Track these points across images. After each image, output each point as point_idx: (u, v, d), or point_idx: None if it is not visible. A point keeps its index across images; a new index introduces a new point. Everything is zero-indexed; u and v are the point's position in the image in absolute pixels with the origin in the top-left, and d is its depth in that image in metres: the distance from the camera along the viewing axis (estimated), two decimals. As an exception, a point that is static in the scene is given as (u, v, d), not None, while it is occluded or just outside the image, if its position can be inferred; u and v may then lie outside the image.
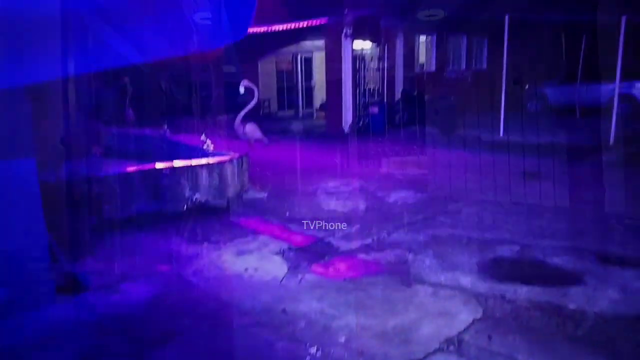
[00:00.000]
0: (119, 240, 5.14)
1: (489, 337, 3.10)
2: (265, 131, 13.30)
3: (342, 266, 4.36)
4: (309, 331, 3.25)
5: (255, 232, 5.28)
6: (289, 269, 4.26)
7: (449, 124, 12.47)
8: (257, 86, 18.14)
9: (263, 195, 6.85)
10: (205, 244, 4.93)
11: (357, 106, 13.96)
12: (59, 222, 4.19)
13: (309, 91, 18.36)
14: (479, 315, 3.40)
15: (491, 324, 3.29)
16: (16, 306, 3.66)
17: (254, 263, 4.42)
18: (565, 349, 3.01)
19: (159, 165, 6.14)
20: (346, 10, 13.11)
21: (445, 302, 3.64)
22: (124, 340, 3.26)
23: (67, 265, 4.24)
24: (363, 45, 14.12)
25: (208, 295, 3.89)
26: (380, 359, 2.92)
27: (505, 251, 4.63)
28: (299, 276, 4.12)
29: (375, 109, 13.23)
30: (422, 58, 15.97)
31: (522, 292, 3.74)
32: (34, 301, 3.75)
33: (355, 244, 4.87)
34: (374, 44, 14.04)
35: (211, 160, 6.48)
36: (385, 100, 13.86)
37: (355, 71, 13.65)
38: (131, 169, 6.04)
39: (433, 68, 15.71)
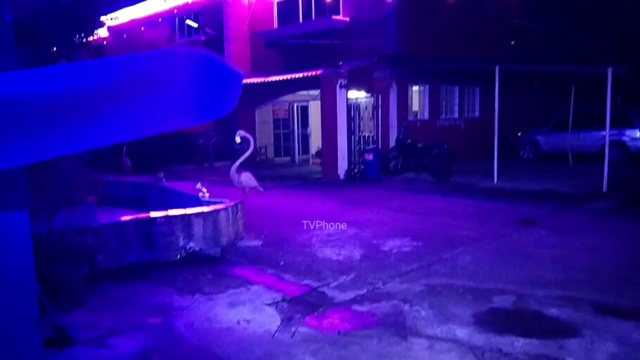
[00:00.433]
0: (111, 291, 5.06)
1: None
2: (261, 177, 13.40)
3: (336, 318, 4.29)
4: (302, 388, 3.16)
5: (248, 282, 5.21)
6: (282, 322, 4.19)
7: (443, 171, 12.58)
8: (254, 133, 18.48)
9: (257, 243, 6.81)
10: (198, 295, 4.86)
11: (352, 153, 14.11)
12: (49, 274, 4.14)
13: (305, 138, 18.61)
14: (475, 370, 3.32)
15: (488, 379, 3.21)
16: (1, 361, 3.56)
17: (246, 315, 4.35)
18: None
19: (154, 214, 6.13)
20: (340, 62, 13.49)
21: (441, 356, 3.57)
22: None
23: (57, 317, 4.16)
24: (358, 94, 14.44)
25: (199, 351, 3.80)
26: (374, 418, 2.83)
27: (502, 301, 4.58)
28: (293, 329, 4.04)
29: (370, 156, 13.38)
30: (415, 106, 16.29)
31: (519, 345, 3.68)
32: (20, 356, 3.65)
33: (349, 294, 4.81)
34: (368, 94, 14.35)
35: (206, 208, 6.48)
36: (380, 148, 14.04)
37: (350, 119, 13.89)
38: (125, 218, 6.03)
39: (426, 116, 16.01)
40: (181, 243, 6.13)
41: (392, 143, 14.15)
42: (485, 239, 6.82)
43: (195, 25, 19.17)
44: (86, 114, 1.65)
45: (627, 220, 7.94)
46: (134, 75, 1.73)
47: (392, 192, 11.33)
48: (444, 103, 16.70)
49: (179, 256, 6.07)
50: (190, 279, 5.36)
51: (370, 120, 14.44)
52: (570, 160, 14.86)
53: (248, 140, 7.29)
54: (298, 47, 16.15)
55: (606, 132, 10.57)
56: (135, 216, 6.02)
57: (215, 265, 5.86)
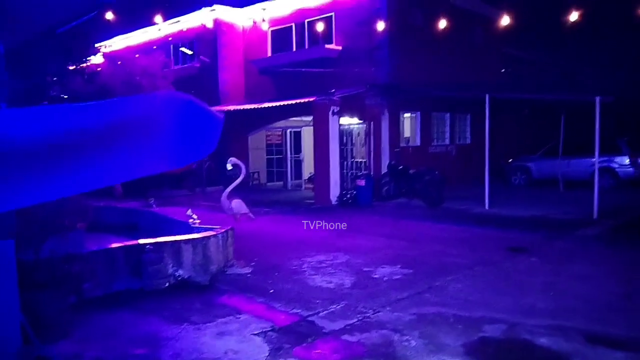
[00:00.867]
0: (98, 321, 4.97)
1: None
2: (254, 203, 13.37)
3: (325, 349, 4.24)
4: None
5: (237, 311, 5.15)
6: (270, 352, 4.13)
7: (435, 197, 12.63)
8: (247, 159, 18.51)
9: (247, 270, 6.75)
10: (186, 325, 4.78)
11: (345, 179, 14.17)
12: (34, 302, 4.07)
13: (297, 164, 18.66)
14: (465, 402, 3.27)
15: (478, 412, 3.16)
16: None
17: (234, 345, 4.28)
18: None
19: (142, 241, 6.08)
20: (333, 89, 13.65)
21: (430, 387, 3.52)
22: None
23: (40, 348, 4.07)
24: (350, 121, 14.57)
25: (185, 381, 3.73)
26: None
27: (492, 330, 4.55)
28: None
29: (362, 182, 13.41)
30: (407, 132, 16.45)
31: (510, 376, 3.64)
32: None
33: (339, 324, 4.76)
34: (361, 120, 14.49)
35: (195, 235, 6.44)
36: (372, 173, 14.10)
37: (342, 145, 13.99)
38: (113, 245, 5.97)
39: (418, 142, 16.14)
40: (170, 270, 6.06)
41: (384, 169, 14.22)
42: (476, 266, 6.80)
43: (190, 52, 19.39)
44: (62, 161, 1.65)
45: (617, 248, 7.96)
46: (113, 120, 1.74)
47: (384, 218, 11.33)
48: (435, 129, 16.88)
49: (167, 284, 6.00)
50: (178, 308, 5.29)
51: (363, 146, 14.54)
52: (561, 187, 14.96)
53: (240, 167, 7.30)
54: (291, 74, 16.35)
55: (595, 160, 10.68)
56: (123, 243, 5.97)
57: (204, 294, 5.79)
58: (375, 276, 6.46)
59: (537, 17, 19.35)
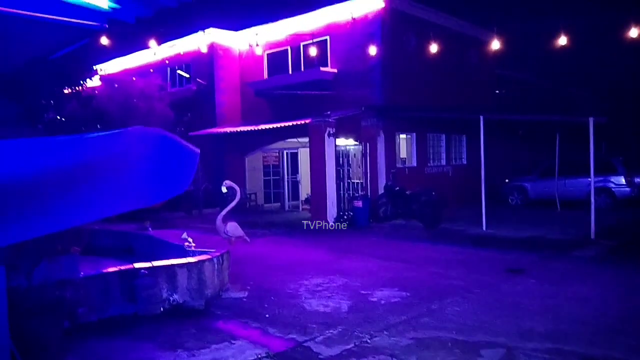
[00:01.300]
0: (90, 347, 4.89)
1: None
2: (250, 224, 13.31)
3: (321, 375, 4.17)
4: None
5: (232, 337, 5.07)
6: (265, 379, 4.06)
7: (432, 218, 12.61)
8: (244, 180, 18.50)
9: (243, 294, 6.68)
10: (180, 351, 4.71)
11: (342, 200, 14.15)
12: (25, 329, 4.00)
13: (295, 185, 18.66)
14: None
15: None
16: None
17: (229, 372, 4.21)
18: None
19: (137, 265, 6.03)
20: (329, 111, 13.74)
21: (428, 415, 3.45)
22: None
23: (30, 376, 3.99)
24: (346, 142, 14.63)
25: (178, 411, 3.65)
26: None
27: (490, 355, 4.49)
28: (276, 387, 3.91)
29: (359, 203, 13.41)
30: (403, 153, 16.51)
31: (509, 403, 3.58)
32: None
33: (336, 349, 4.69)
34: (357, 142, 14.56)
35: (190, 259, 6.38)
36: (368, 194, 14.10)
37: (338, 167, 14.02)
38: (108, 270, 5.92)
39: (414, 163, 16.20)
40: (164, 295, 6.00)
41: (380, 190, 14.24)
42: (474, 289, 6.75)
43: (186, 75, 19.55)
44: (33, 200, 1.62)
45: (615, 269, 7.93)
46: (86, 157, 1.72)
47: (381, 240, 11.29)
48: (431, 150, 16.96)
49: (162, 309, 5.93)
50: (172, 334, 5.21)
51: (359, 167, 14.57)
52: (558, 207, 14.97)
53: (235, 190, 7.28)
54: (288, 96, 16.48)
55: (591, 180, 10.71)
56: (117, 268, 5.91)
57: (199, 319, 5.71)
58: (373, 299, 6.39)
59: (530, 39, 19.64)
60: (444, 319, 5.57)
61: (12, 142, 1.77)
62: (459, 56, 17.47)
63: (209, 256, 6.56)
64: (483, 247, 9.89)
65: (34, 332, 4.21)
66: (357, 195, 14.01)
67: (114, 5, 3.36)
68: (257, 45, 17.05)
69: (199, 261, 6.36)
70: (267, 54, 18.06)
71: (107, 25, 3.37)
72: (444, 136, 17.32)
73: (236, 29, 18.73)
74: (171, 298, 6.05)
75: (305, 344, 4.85)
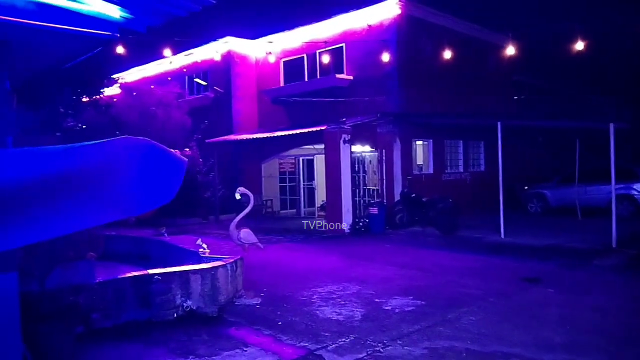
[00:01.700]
0: (103, 353, 4.93)
1: None
2: (266, 231, 13.34)
3: (332, 384, 4.12)
4: None
5: (244, 344, 5.06)
6: (275, 387, 4.03)
7: (448, 225, 12.47)
8: (260, 187, 18.56)
9: (256, 301, 6.67)
10: (191, 358, 4.71)
11: (357, 207, 14.09)
12: (38, 334, 4.05)
13: (310, 191, 18.66)
14: None
15: None
16: None
17: (239, 380, 4.19)
18: None
19: (151, 271, 6.06)
20: (344, 118, 13.73)
21: None
22: None
23: (43, 381, 4.03)
24: (362, 148, 14.59)
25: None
26: None
27: (506, 366, 4.39)
28: (286, 395, 3.87)
29: (374, 210, 13.33)
30: (419, 160, 16.40)
31: (524, 416, 3.48)
32: None
33: (347, 358, 4.63)
34: (373, 148, 14.50)
35: (204, 265, 6.40)
36: (384, 201, 14.01)
37: (354, 173, 13.97)
38: (122, 275, 5.96)
39: (431, 170, 16.06)
40: (178, 301, 6.02)
41: (397, 197, 14.15)
42: (490, 298, 6.63)
43: (204, 83, 19.76)
44: (11, 210, 1.62)
45: (637, 278, 7.73)
46: (70, 167, 1.71)
47: (397, 247, 11.19)
48: (448, 157, 16.80)
49: (175, 315, 5.95)
50: (184, 340, 5.22)
51: (375, 174, 14.50)
52: (579, 215, 14.68)
53: (248, 197, 7.30)
54: (303, 103, 16.53)
55: (612, 187, 10.48)
56: (131, 274, 5.95)
57: (212, 325, 5.71)
58: (387, 308, 6.32)
59: (548, 44, 19.40)
60: (459, 328, 5.47)
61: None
62: (475, 62, 17.33)
63: (222, 262, 6.57)
64: (500, 255, 9.74)
65: (47, 337, 4.25)
66: (372, 202, 13.93)
67: (126, 15, 3.41)
68: (273, 53, 17.17)
69: (212, 267, 6.37)
70: (283, 62, 18.16)
71: (118, 35, 3.42)
72: (461, 142, 17.15)
73: (253, 38, 18.89)
74: (185, 304, 6.07)
75: (316, 352, 4.81)
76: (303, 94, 16.63)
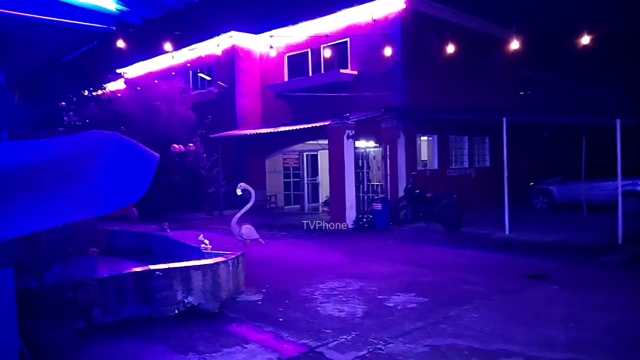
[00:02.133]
0: (103, 349, 4.91)
1: None
2: (269, 226, 13.31)
3: (332, 382, 4.08)
4: None
5: (244, 341, 5.03)
6: (275, 385, 3.99)
7: (453, 221, 12.39)
8: (264, 182, 18.54)
9: (258, 297, 6.63)
10: (191, 355, 4.68)
11: (361, 203, 14.02)
12: (37, 331, 4.02)
13: (314, 187, 18.62)
14: None
15: None
16: None
17: (239, 377, 4.16)
18: None
19: (152, 267, 6.04)
20: (348, 113, 13.64)
21: None
22: None
23: (42, 377, 4.01)
24: (366, 144, 14.51)
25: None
26: None
27: (509, 365, 4.33)
28: (286, 393, 3.84)
29: (378, 206, 13.27)
30: (424, 156, 16.30)
31: (526, 416, 3.43)
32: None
33: (348, 356, 4.59)
34: (377, 144, 14.42)
35: (205, 261, 6.37)
36: (388, 197, 13.94)
37: (358, 169, 13.89)
38: (123, 271, 5.95)
39: (435, 165, 15.96)
40: (179, 297, 6.00)
41: (401, 192, 14.07)
42: (494, 295, 6.57)
43: (208, 78, 19.71)
44: None
45: (643, 275, 7.63)
46: (34, 162, 1.65)
47: (401, 243, 11.13)
48: (453, 153, 16.69)
49: (176, 311, 5.93)
50: (185, 337, 5.20)
51: (379, 169, 14.43)
52: (585, 211, 14.55)
53: (250, 192, 7.26)
54: (308, 98, 16.45)
55: (618, 183, 10.36)
56: (132, 269, 5.93)
57: (213, 322, 5.69)
58: (389, 305, 6.27)
59: (555, 39, 19.20)
60: (462, 325, 5.42)
61: None
62: (481, 57, 17.18)
63: (224, 258, 6.55)
64: (505, 251, 9.66)
65: (47, 334, 4.23)
66: (376, 197, 13.87)
67: (121, 7, 3.35)
68: (277, 47, 17.08)
69: (214, 263, 6.34)
70: (288, 57, 18.07)
71: (114, 28, 3.37)
72: (466, 138, 17.03)
73: (257, 32, 18.81)
74: (186, 300, 6.05)
75: (317, 350, 4.77)
76: (307, 89, 16.55)
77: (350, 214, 13.49)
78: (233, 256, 6.68)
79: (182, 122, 16.70)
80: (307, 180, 18.49)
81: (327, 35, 16.19)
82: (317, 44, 16.79)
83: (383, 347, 4.80)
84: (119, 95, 16.56)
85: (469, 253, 9.66)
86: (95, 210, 1.76)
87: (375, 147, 14.53)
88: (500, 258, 9.12)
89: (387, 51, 14.12)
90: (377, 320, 5.64)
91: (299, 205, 18.90)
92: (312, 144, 16.85)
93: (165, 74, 19.70)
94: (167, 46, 14.93)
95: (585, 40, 12.10)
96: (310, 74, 17.19)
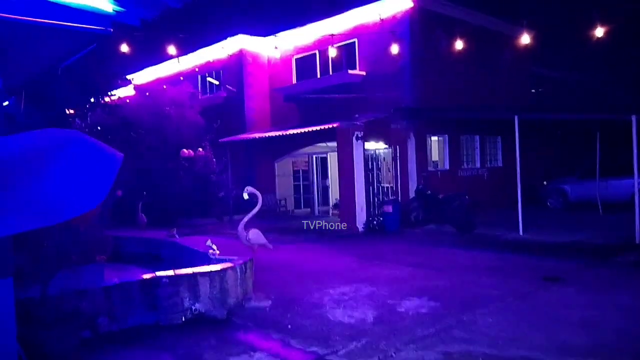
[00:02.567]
0: (108, 358, 4.83)
1: None
2: (279, 230, 13.21)
3: (341, 391, 3.95)
4: None
5: (252, 348, 4.91)
6: (282, 395, 3.87)
7: (465, 223, 12.18)
8: (274, 185, 18.45)
9: (266, 304, 6.51)
10: (197, 364, 4.58)
11: (371, 205, 13.87)
12: (39, 341, 3.95)
13: (324, 190, 18.50)
14: None
15: None
16: None
17: (245, 387, 4.04)
18: None
19: (159, 273, 5.96)
20: (357, 115, 13.51)
21: None
22: None
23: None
24: (376, 145, 14.36)
25: None
26: None
27: (525, 372, 4.17)
28: (293, 404, 3.71)
29: (389, 208, 13.10)
30: (435, 156, 16.11)
31: None
32: None
33: (358, 364, 4.46)
34: (386, 145, 14.27)
35: (213, 267, 6.27)
36: (399, 199, 13.78)
37: (367, 171, 13.74)
38: (130, 278, 5.87)
39: (447, 166, 15.76)
40: (186, 304, 5.90)
41: (411, 194, 13.90)
42: (508, 298, 6.39)
43: (216, 82, 19.70)
44: None
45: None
46: None
47: (412, 246, 10.96)
48: (464, 153, 16.48)
49: (183, 318, 5.84)
50: (192, 345, 5.10)
51: (389, 171, 14.27)
52: (600, 210, 14.24)
53: (257, 197, 7.15)
54: (316, 100, 16.35)
55: (635, 181, 10.10)
56: (139, 276, 5.85)
57: (220, 329, 5.58)
58: (400, 310, 6.12)
59: (567, 35, 18.89)
60: (476, 331, 5.25)
61: None
62: (491, 55, 16.94)
63: (231, 264, 6.45)
64: (519, 253, 9.45)
65: (49, 343, 4.16)
66: (387, 199, 13.70)
67: (118, 8, 3.27)
68: (285, 50, 17.02)
69: (221, 269, 6.24)
70: (295, 59, 18.00)
71: (111, 30, 3.28)
72: (478, 138, 16.80)
73: (264, 35, 18.76)
74: (193, 307, 5.95)
75: (326, 357, 4.65)
76: (315, 90, 16.45)
77: (361, 216, 13.35)
78: (241, 262, 6.58)
79: (191, 126, 16.68)
80: (317, 183, 18.37)
81: (334, 36, 16.08)
82: (325, 45, 16.70)
83: (394, 355, 4.65)
84: (127, 101, 16.60)
85: (482, 255, 9.47)
86: (47, 219, 1.62)
87: (385, 148, 14.38)
88: (514, 260, 8.92)
89: (396, 51, 13.97)
90: (388, 326, 5.49)
91: (309, 209, 18.78)
92: (321, 146, 16.73)
93: (173, 80, 19.73)
94: (176, 51, 14.93)
95: (599, 33, 11.81)
96: (319, 76, 17.10)
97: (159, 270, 6.19)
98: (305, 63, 17.69)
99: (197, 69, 20.14)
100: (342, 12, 15.98)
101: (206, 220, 16.41)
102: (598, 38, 11.96)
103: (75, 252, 4.66)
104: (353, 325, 5.57)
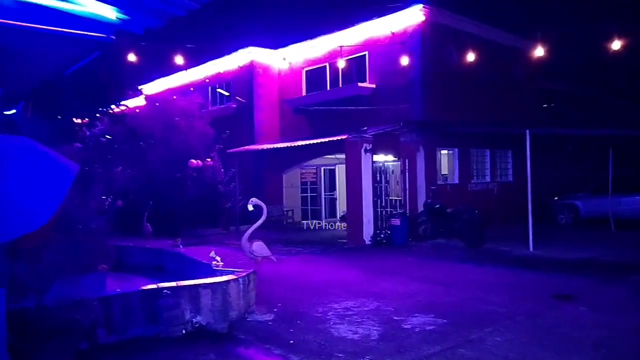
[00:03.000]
0: (106, 371, 4.73)
1: None
2: (285, 242, 13.10)
3: (342, 412, 3.80)
4: None
5: (252, 364, 4.79)
6: (281, 415, 3.73)
7: (474, 237, 11.99)
8: (282, 197, 18.39)
9: (269, 317, 6.38)
10: (195, 379, 4.46)
11: (379, 218, 13.72)
12: (33, 354, 3.86)
13: (332, 202, 18.39)
14: None
15: None
16: None
17: (243, 405, 3.91)
18: None
19: (160, 284, 5.86)
20: (365, 127, 13.43)
21: None
22: None
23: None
24: (384, 158, 14.25)
25: None
26: None
27: (535, 396, 4.00)
28: None
29: (397, 221, 12.94)
30: (444, 170, 15.95)
31: None
32: None
33: (361, 383, 4.31)
34: (395, 158, 14.15)
35: (215, 279, 6.17)
36: (407, 212, 13.61)
37: (376, 183, 13.62)
38: (131, 288, 5.78)
39: (456, 180, 15.58)
40: (187, 317, 5.80)
41: (420, 207, 13.73)
42: (518, 317, 6.20)
43: (226, 93, 19.77)
44: None
45: (679, 296, 7.16)
46: None
47: (420, 260, 10.78)
48: (474, 166, 16.30)
49: (184, 331, 5.73)
50: (191, 359, 4.98)
51: (398, 184, 14.13)
52: (613, 226, 13.97)
53: (262, 208, 7.06)
54: (325, 112, 16.31)
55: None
56: (139, 288, 5.76)
57: (220, 343, 5.46)
58: (406, 326, 5.96)
59: (579, 49, 18.74)
60: (484, 350, 5.08)
61: None
62: (502, 69, 16.83)
63: (234, 276, 6.34)
64: (529, 269, 9.24)
65: (44, 356, 4.07)
66: (395, 213, 13.54)
67: (122, 16, 3.22)
68: (295, 62, 17.05)
69: (224, 282, 6.13)
70: (306, 71, 18.02)
71: (114, 37, 3.23)
72: (488, 152, 16.63)
73: (275, 47, 18.83)
74: (194, 320, 5.84)
75: (328, 375, 4.50)
76: (325, 103, 16.42)
77: (368, 229, 13.20)
78: (244, 274, 6.47)
79: (200, 137, 16.70)
80: (325, 195, 18.28)
81: (345, 50, 16.08)
82: (335, 57, 16.69)
83: (398, 374, 4.50)
84: (137, 111, 16.68)
85: (491, 271, 9.27)
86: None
87: (394, 161, 14.26)
88: (524, 276, 8.72)
89: (406, 64, 13.91)
90: (393, 344, 5.34)
91: (316, 220, 18.66)
92: (330, 158, 16.66)
93: (184, 90, 19.82)
94: (186, 62, 15.00)
95: (609, 49, 11.67)
96: (328, 88, 17.08)
97: (161, 280, 6.11)
98: (315, 75, 17.70)
99: (207, 80, 20.24)
100: (353, 25, 15.99)
101: (213, 230, 16.36)
102: (611, 52, 11.81)
103: (72, 263, 4.58)
104: (357, 342, 5.42)
